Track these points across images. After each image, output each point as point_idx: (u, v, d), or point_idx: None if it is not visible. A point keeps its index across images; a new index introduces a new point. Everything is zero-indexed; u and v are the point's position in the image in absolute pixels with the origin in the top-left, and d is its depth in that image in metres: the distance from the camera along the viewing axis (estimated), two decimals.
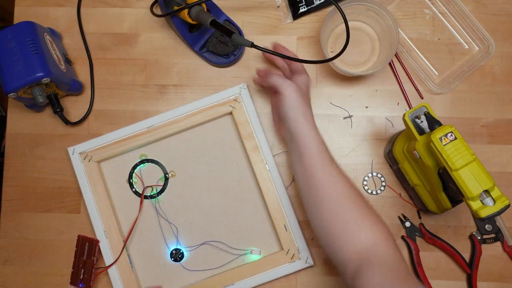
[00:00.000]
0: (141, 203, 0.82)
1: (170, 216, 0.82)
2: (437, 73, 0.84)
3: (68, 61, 0.84)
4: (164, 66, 0.86)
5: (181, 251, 0.81)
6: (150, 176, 0.83)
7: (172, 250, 0.81)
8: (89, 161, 0.81)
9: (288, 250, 0.78)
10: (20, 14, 0.88)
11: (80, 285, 0.80)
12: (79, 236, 0.81)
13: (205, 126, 0.83)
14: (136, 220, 0.81)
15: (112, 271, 0.79)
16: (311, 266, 0.79)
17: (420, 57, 0.84)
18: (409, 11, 0.85)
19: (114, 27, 0.87)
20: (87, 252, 0.80)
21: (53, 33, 0.84)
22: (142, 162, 0.83)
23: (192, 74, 0.86)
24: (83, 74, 0.87)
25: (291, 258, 0.78)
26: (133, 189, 0.83)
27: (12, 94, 0.75)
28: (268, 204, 0.79)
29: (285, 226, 0.79)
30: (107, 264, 0.79)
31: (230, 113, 0.82)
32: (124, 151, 0.82)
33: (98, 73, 0.87)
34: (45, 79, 0.75)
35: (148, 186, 0.82)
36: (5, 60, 0.75)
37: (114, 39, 0.87)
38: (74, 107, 0.86)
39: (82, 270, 0.80)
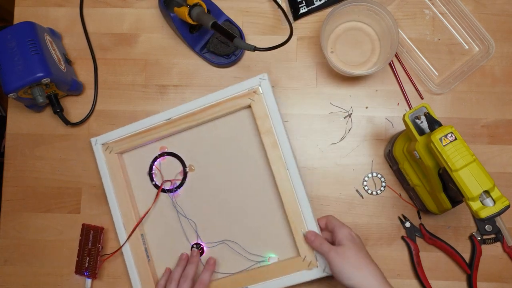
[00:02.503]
0: (156, 195, 0.81)
1: (189, 211, 0.81)
2: (437, 73, 0.84)
3: (68, 61, 0.84)
4: (164, 66, 0.86)
5: (202, 246, 0.80)
6: (169, 169, 0.82)
7: (193, 245, 0.80)
8: (110, 152, 0.81)
9: (305, 256, 0.74)
10: (20, 14, 0.88)
11: (85, 273, 0.80)
12: (83, 225, 0.82)
13: (225, 119, 0.80)
14: (148, 211, 0.80)
15: (129, 263, 0.79)
16: (329, 276, 0.73)
17: (420, 57, 0.84)
18: (409, 11, 0.85)
19: (114, 27, 0.87)
20: (92, 240, 0.81)
21: (53, 33, 0.84)
22: (161, 155, 0.82)
23: (192, 74, 0.86)
24: (83, 74, 0.87)
25: (308, 266, 0.73)
26: (153, 182, 0.82)
27: (12, 94, 0.75)
28: (286, 206, 0.74)
29: (302, 231, 0.74)
30: (125, 257, 0.79)
31: (249, 106, 0.77)
32: (143, 143, 0.81)
33: (98, 73, 0.86)
34: (45, 79, 0.75)
35: (166, 180, 0.81)
36: (5, 60, 0.75)
37: (114, 39, 0.87)
38: (74, 107, 0.86)
39: (87, 259, 0.80)
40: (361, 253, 0.68)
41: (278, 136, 0.75)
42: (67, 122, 0.83)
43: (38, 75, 0.74)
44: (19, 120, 0.86)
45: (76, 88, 0.84)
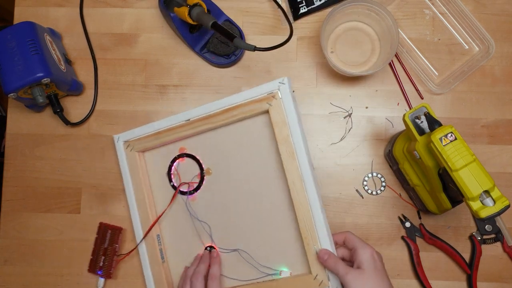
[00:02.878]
0: (173, 197, 0.80)
1: (204, 214, 0.79)
2: (437, 73, 0.84)
3: (68, 61, 0.84)
4: (164, 66, 0.86)
5: (216, 250, 0.78)
6: (188, 171, 0.80)
7: (207, 247, 0.79)
8: (131, 150, 0.81)
9: (317, 275, 0.69)
10: (20, 14, 0.88)
11: (99, 272, 0.81)
12: (100, 223, 0.82)
13: (244, 123, 0.76)
14: (163, 212, 0.80)
15: (144, 263, 0.79)
16: None
17: (420, 57, 0.84)
18: (409, 11, 0.85)
19: (114, 27, 0.87)
20: (109, 240, 0.81)
21: (53, 33, 0.84)
22: (180, 156, 0.81)
23: (192, 74, 0.86)
24: (83, 74, 0.87)
25: (319, 285, 0.69)
26: (171, 183, 0.81)
27: (12, 94, 0.75)
28: (300, 221, 0.70)
29: (315, 247, 0.69)
30: (141, 257, 0.79)
31: (267, 112, 0.73)
32: (162, 143, 0.80)
33: (98, 73, 0.86)
34: (45, 79, 0.75)
35: (184, 183, 0.80)
36: (5, 60, 0.75)
37: (114, 39, 0.87)
38: (74, 107, 0.86)
39: (103, 258, 0.81)
40: (381, 280, 0.63)
41: (295, 145, 0.70)
42: (67, 122, 0.83)
43: (38, 75, 0.74)
44: (19, 120, 0.86)
45: (76, 88, 0.84)
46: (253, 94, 0.74)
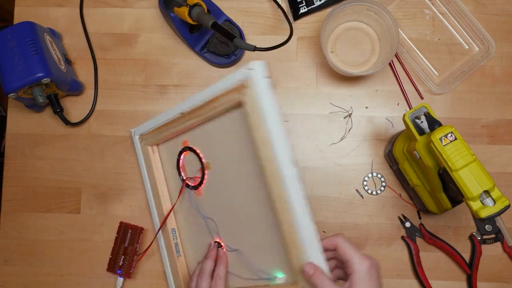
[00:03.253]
0: (180, 192, 0.79)
1: (209, 210, 0.76)
2: (437, 73, 0.84)
3: (68, 61, 0.84)
4: (164, 66, 0.86)
5: (222, 245, 0.76)
6: (192, 165, 0.78)
7: (215, 242, 0.76)
8: (144, 144, 0.81)
9: (303, 287, 0.61)
10: (20, 14, 0.88)
11: (118, 271, 0.81)
12: (121, 223, 0.82)
13: (230, 115, 0.68)
14: (173, 207, 0.79)
15: (164, 257, 0.80)
16: None
17: (420, 57, 0.84)
18: (409, 11, 0.85)
19: (114, 27, 0.87)
20: (129, 240, 0.81)
21: (53, 33, 0.85)
22: (184, 149, 0.79)
23: (192, 74, 0.86)
24: (83, 74, 0.87)
25: None
26: (181, 177, 0.80)
27: (12, 94, 0.75)
28: (284, 231, 0.61)
29: (299, 259, 0.60)
30: (161, 250, 0.80)
31: (241, 105, 0.63)
32: (166, 137, 0.78)
33: (98, 73, 0.87)
34: (45, 79, 0.75)
35: (189, 178, 0.79)
36: (5, 60, 0.75)
37: (114, 39, 0.87)
38: (74, 107, 0.86)
39: (122, 257, 0.81)
40: None
41: (273, 144, 0.60)
42: (67, 122, 0.83)
43: (38, 75, 0.74)
44: (19, 120, 0.86)
45: (76, 88, 0.84)
46: (228, 83, 0.65)
